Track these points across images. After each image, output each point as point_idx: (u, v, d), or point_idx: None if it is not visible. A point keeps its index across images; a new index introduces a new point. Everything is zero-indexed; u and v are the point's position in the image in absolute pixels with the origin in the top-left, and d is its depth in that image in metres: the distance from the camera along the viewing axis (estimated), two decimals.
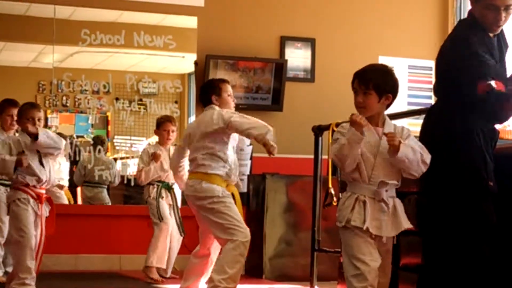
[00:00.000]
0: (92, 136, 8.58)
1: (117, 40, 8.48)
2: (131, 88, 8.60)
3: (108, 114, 8.61)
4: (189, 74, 8.76)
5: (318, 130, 6.54)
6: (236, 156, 5.49)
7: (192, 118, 8.62)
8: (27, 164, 5.54)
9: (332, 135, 6.25)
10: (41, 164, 5.65)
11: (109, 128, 8.63)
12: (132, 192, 8.46)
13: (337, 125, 6.10)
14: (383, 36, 8.95)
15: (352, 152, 3.86)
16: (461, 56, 3.99)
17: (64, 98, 8.47)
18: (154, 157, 7.14)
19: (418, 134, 4.25)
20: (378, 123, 3.99)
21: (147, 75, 8.66)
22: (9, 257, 6.65)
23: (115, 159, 8.74)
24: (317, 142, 6.54)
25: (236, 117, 5.25)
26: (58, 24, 8.33)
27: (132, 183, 8.46)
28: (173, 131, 7.28)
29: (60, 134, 8.35)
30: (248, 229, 5.28)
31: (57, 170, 8.00)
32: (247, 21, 8.67)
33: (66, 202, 8.43)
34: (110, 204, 8.58)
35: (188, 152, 5.46)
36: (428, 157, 3.93)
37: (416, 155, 3.89)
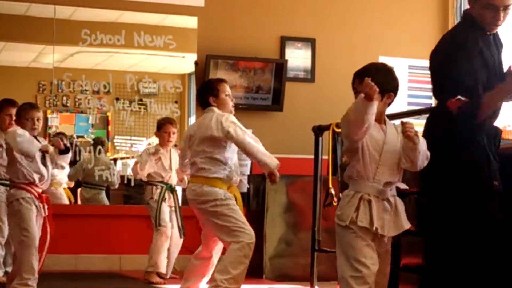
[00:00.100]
0: (92, 137, 8.57)
1: (117, 40, 8.49)
2: (131, 88, 8.60)
3: (108, 114, 8.61)
4: (190, 74, 8.76)
5: (318, 130, 6.54)
6: (236, 156, 5.47)
7: (192, 118, 8.62)
8: (51, 151, 5.59)
9: (332, 135, 6.28)
10: (43, 163, 5.66)
11: (109, 128, 8.63)
12: (132, 192, 8.45)
13: (337, 125, 6.14)
14: (383, 36, 8.95)
15: (350, 118, 3.79)
16: (444, 64, 4.05)
17: (64, 98, 8.47)
18: (154, 153, 7.13)
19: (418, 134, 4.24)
20: (380, 121, 3.98)
21: (147, 75, 8.66)
22: (9, 257, 6.65)
23: (115, 159, 8.74)
24: (317, 142, 6.54)
25: (235, 132, 5.19)
26: (58, 24, 8.33)
27: (132, 183, 8.47)
28: (174, 133, 7.24)
29: (60, 134, 8.40)
30: (253, 231, 5.28)
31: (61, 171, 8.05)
32: (247, 21, 8.67)
33: (67, 202, 8.43)
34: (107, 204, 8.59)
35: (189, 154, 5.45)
36: (429, 154, 3.94)
37: (425, 149, 3.89)
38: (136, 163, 7.24)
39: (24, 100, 6.57)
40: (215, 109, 5.38)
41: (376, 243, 3.93)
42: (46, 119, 8.25)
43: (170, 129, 7.22)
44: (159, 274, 7.05)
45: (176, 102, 8.69)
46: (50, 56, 8.43)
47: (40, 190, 5.64)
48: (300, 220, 7.47)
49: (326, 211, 6.29)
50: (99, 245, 8.17)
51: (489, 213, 3.94)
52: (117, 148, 8.70)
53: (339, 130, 6.18)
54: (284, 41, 8.74)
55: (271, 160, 5.27)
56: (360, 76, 3.96)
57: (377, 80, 3.89)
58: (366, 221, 3.87)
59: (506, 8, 3.99)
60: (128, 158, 8.71)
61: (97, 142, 8.52)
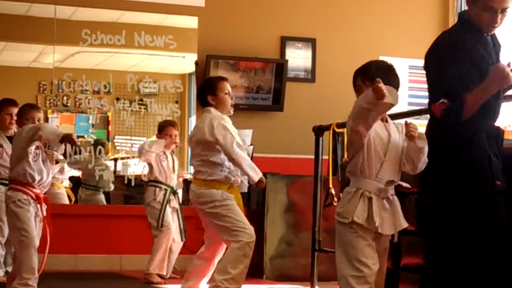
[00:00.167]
0: (94, 137, 8.57)
1: (117, 40, 8.49)
2: (132, 88, 8.60)
3: (109, 114, 8.61)
4: (190, 74, 8.76)
5: (319, 130, 6.54)
6: None
7: (193, 118, 8.63)
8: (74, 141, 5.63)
9: (333, 135, 6.28)
10: (44, 164, 5.68)
11: (110, 128, 8.63)
12: (132, 192, 8.45)
13: (338, 125, 6.14)
14: (383, 36, 8.95)
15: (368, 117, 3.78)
16: (434, 67, 4.09)
17: (65, 98, 8.47)
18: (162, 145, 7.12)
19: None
20: (383, 119, 3.98)
21: (148, 75, 8.66)
22: (9, 256, 6.65)
23: (116, 159, 8.74)
24: (317, 142, 6.54)
25: (224, 140, 5.20)
26: (59, 24, 8.33)
27: (133, 183, 8.47)
28: (176, 135, 7.21)
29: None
30: (253, 230, 5.28)
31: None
32: (248, 21, 8.67)
33: (67, 201, 8.43)
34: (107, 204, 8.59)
35: None
36: (427, 159, 3.95)
37: (426, 152, 3.89)
38: (144, 143, 7.19)
39: (25, 100, 6.58)
40: (212, 109, 5.36)
41: (375, 242, 3.93)
42: (46, 119, 8.25)
43: (172, 132, 7.16)
44: (159, 275, 7.05)
45: (176, 102, 8.69)
46: (51, 56, 8.43)
47: (38, 191, 5.65)
48: (300, 220, 7.47)
49: (326, 211, 6.29)
50: (99, 245, 8.17)
51: (491, 213, 3.93)
52: (118, 148, 8.70)
53: (340, 130, 6.19)
54: (284, 41, 8.74)
55: (255, 173, 5.26)
56: (361, 74, 3.96)
57: (379, 77, 3.89)
58: (363, 218, 3.87)
59: (504, 10, 4.01)
60: (128, 158, 8.71)
61: (97, 144, 8.52)
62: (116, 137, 8.65)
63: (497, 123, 4.17)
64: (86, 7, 8.36)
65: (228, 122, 5.33)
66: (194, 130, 5.53)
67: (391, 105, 3.76)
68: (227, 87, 5.45)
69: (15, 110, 6.28)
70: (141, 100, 8.62)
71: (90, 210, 8.36)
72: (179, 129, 7.44)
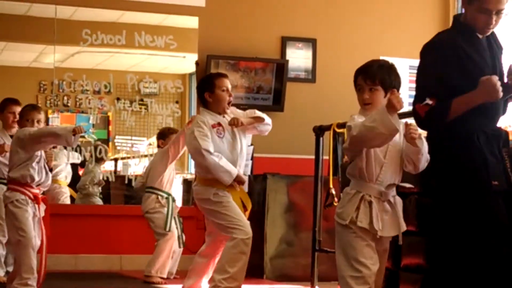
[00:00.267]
0: (94, 138, 8.57)
1: (118, 40, 8.49)
2: (132, 88, 8.60)
3: (109, 114, 8.62)
4: (190, 74, 8.76)
5: (319, 131, 6.54)
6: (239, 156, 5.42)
7: None
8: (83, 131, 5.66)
9: (333, 136, 6.28)
10: (44, 165, 5.69)
11: (110, 128, 8.63)
12: (132, 192, 8.45)
13: (338, 125, 6.14)
14: (384, 36, 8.95)
15: (379, 132, 3.74)
16: (421, 68, 4.12)
17: (65, 98, 8.47)
18: None
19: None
20: None
21: (148, 75, 8.66)
22: (10, 256, 6.65)
23: (116, 159, 8.74)
24: (318, 143, 6.54)
25: (192, 152, 5.30)
26: (59, 24, 8.33)
27: (133, 184, 8.46)
28: None
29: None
30: (248, 227, 5.28)
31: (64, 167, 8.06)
32: (248, 21, 8.67)
33: (69, 201, 8.43)
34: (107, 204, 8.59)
35: None
36: (429, 157, 3.94)
37: (426, 151, 3.89)
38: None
39: (25, 100, 6.59)
40: (204, 111, 5.40)
41: (376, 242, 3.92)
42: (47, 119, 8.24)
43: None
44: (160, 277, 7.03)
45: (177, 102, 8.69)
46: (51, 56, 8.43)
47: (37, 191, 5.65)
48: (300, 220, 7.47)
49: (326, 212, 6.29)
50: (99, 245, 8.17)
51: (488, 214, 3.93)
52: (118, 148, 8.70)
53: (340, 130, 6.19)
54: (285, 41, 8.74)
55: (227, 175, 5.25)
56: (362, 73, 3.95)
57: (380, 77, 3.89)
58: (366, 222, 3.87)
59: (498, 12, 4.01)
60: (129, 158, 8.71)
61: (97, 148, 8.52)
62: (117, 137, 8.65)
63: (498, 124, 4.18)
64: (87, 7, 8.36)
65: (207, 124, 5.31)
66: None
67: (395, 129, 3.73)
68: (225, 83, 5.42)
69: (18, 109, 6.30)
70: (142, 100, 8.62)
71: (90, 210, 8.37)
72: (179, 127, 7.42)
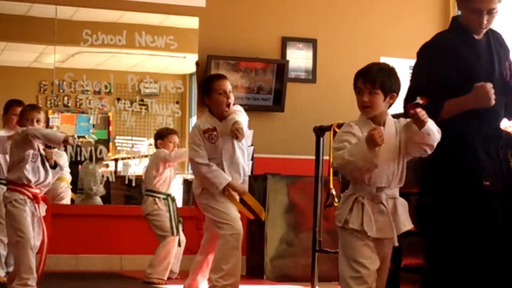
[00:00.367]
0: (95, 138, 8.57)
1: (118, 40, 8.49)
2: (133, 88, 8.60)
3: (110, 114, 8.62)
4: (191, 75, 8.76)
5: (320, 131, 6.54)
6: (239, 157, 5.43)
7: (194, 119, 8.62)
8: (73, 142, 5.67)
9: (333, 136, 6.27)
10: (43, 165, 5.68)
11: (111, 128, 8.64)
12: (133, 192, 8.46)
13: (338, 125, 6.14)
14: (384, 37, 8.95)
15: (358, 166, 3.82)
16: (415, 67, 4.17)
17: (66, 98, 8.47)
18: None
19: None
20: (380, 122, 3.96)
21: (149, 76, 8.66)
22: (11, 256, 6.65)
23: (116, 160, 8.74)
24: (318, 143, 6.54)
25: (190, 158, 5.36)
26: (60, 25, 8.33)
27: (133, 184, 8.47)
28: (177, 144, 7.15)
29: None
30: (238, 222, 5.29)
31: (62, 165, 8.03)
32: (249, 21, 8.67)
33: (69, 201, 8.44)
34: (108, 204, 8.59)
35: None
36: (439, 129, 3.89)
37: (434, 125, 3.84)
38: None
39: (26, 100, 6.60)
40: (205, 114, 5.46)
41: (376, 246, 3.92)
42: (47, 119, 8.24)
43: (175, 140, 7.09)
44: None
45: (177, 102, 8.69)
46: (52, 56, 8.44)
47: (36, 191, 5.65)
48: (301, 220, 7.47)
49: (327, 212, 6.29)
50: (99, 245, 8.17)
51: (479, 213, 3.93)
52: (118, 148, 8.70)
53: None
54: (285, 41, 8.74)
55: (212, 187, 5.31)
56: (362, 76, 3.94)
57: (380, 80, 3.89)
58: (358, 223, 3.88)
59: (490, 11, 4.01)
60: (129, 158, 8.71)
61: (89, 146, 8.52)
62: (117, 137, 8.66)
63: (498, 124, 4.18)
64: (87, 7, 8.36)
65: (199, 130, 5.35)
66: None
67: (374, 164, 3.78)
68: (223, 86, 5.38)
69: None
70: (142, 100, 8.62)
71: (90, 210, 8.37)
72: (180, 130, 7.42)
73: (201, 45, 8.50)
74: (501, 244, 3.94)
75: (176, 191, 7.32)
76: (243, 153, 5.44)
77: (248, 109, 8.39)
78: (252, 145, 7.52)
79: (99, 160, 8.54)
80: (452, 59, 4.05)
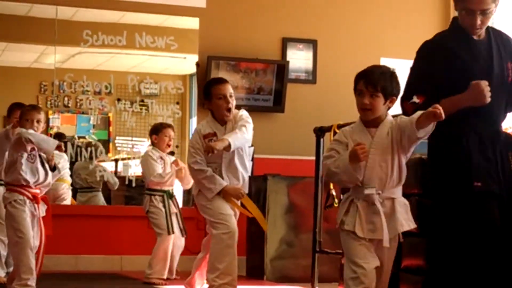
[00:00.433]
0: (95, 138, 8.56)
1: (119, 41, 8.49)
2: (133, 89, 8.60)
3: (110, 115, 8.62)
4: (191, 75, 8.76)
5: (320, 132, 6.54)
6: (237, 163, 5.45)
7: (194, 119, 8.62)
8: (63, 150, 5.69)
9: (334, 137, 6.27)
10: (42, 165, 5.68)
11: (111, 129, 8.64)
12: (133, 193, 8.46)
13: (339, 126, 6.14)
14: (384, 37, 8.95)
15: (341, 179, 3.95)
16: (412, 67, 4.20)
17: (66, 98, 8.47)
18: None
19: None
20: (375, 125, 3.95)
21: (149, 76, 8.66)
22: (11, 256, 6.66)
23: (116, 160, 8.74)
24: (318, 144, 6.54)
25: (189, 168, 5.45)
26: (60, 25, 8.33)
27: (134, 184, 8.47)
28: (172, 137, 7.15)
29: (60, 135, 8.40)
30: (231, 221, 5.31)
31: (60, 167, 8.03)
32: (249, 22, 8.67)
33: (70, 201, 8.43)
34: (108, 205, 8.58)
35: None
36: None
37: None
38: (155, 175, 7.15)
39: (26, 100, 6.60)
40: (207, 118, 5.48)
41: (375, 247, 3.93)
42: (47, 120, 8.25)
43: (170, 133, 7.11)
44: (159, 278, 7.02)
45: (177, 103, 8.69)
46: (52, 57, 8.44)
47: (36, 191, 5.65)
48: (301, 221, 7.47)
49: (327, 213, 6.30)
50: (99, 245, 8.17)
51: (472, 214, 3.93)
52: (118, 149, 8.70)
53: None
54: (285, 42, 8.74)
55: (208, 193, 5.37)
56: (364, 78, 3.94)
57: (382, 84, 3.89)
58: (352, 224, 3.91)
59: (483, 12, 4.01)
60: (129, 159, 8.71)
61: (89, 146, 8.51)
62: (117, 138, 8.66)
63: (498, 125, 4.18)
64: (87, 7, 8.36)
65: (200, 134, 5.38)
66: None
67: (356, 179, 3.89)
68: (222, 91, 5.38)
69: None
70: (142, 101, 8.62)
71: (90, 211, 8.36)
72: (180, 131, 7.42)
73: (202, 45, 8.50)
74: (498, 245, 3.93)
75: (176, 191, 7.32)
76: (242, 160, 5.46)
77: (249, 109, 8.39)
78: (252, 145, 7.53)
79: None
80: (449, 59, 4.06)
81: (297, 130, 8.33)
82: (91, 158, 8.48)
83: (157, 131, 7.14)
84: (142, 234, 7.58)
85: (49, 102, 8.44)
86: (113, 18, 8.54)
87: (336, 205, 5.87)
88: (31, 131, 5.59)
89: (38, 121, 5.72)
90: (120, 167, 8.71)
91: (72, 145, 8.41)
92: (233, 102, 5.42)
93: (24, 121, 5.72)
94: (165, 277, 6.93)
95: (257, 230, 7.51)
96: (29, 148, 5.58)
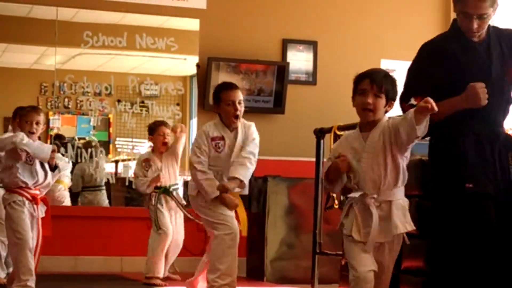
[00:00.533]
0: (95, 139, 8.56)
1: (119, 42, 8.49)
2: (133, 90, 8.60)
3: (110, 116, 8.62)
4: (191, 77, 8.76)
5: (320, 133, 6.54)
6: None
7: (194, 121, 8.62)
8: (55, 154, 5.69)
9: (334, 138, 6.27)
10: (42, 166, 5.69)
11: (111, 130, 8.64)
12: (133, 194, 8.45)
13: (339, 127, 6.14)
14: (385, 39, 8.95)
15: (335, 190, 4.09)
16: (409, 68, 4.22)
17: (66, 100, 8.47)
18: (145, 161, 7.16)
19: None
20: (370, 128, 3.96)
21: (149, 77, 8.66)
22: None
23: (117, 161, 8.74)
24: (318, 145, 6.54)
25: (191, 167, 5.43)
26: (60, 26, 8.33)
27: (134, 185, 8.46)
28: (168, 134, 7.18)
29: (60, 136, 8.40)
30: (232, 221, 5.30)
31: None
32: (249, 23, 8.67)
33: (68, 202, 8.43)
34: (108, 206, 8.58)
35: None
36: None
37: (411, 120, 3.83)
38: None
39: (26, 102, 6.61)
40: (215, 120, 5.47)
41: (376, 251, 3.93)
42: (48, 121, 8.25)
43: (164, 131, 7.14)
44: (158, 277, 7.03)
45: (177, 104, 8.69)
46: (52, 58, 8.44)
47: (36, 192, 5.65)
48: (301, 222, 7.46)
49: (327, 214, 6.29)
50: (99, 246, 8.17)
51: (465, 216, 3.93)
52: (119, 150, 8.70)
53: (341, 133, 6.18)
54: (286, 43, 8.74)
55: (206, 195, 5.35)
56: (369, 77, 3.93)
57: (386, 86, 3.91)
58: (349, 228, 3.94)
59: (480, 17, 4.01)
60: (129, 160, 8.71)
61: (88, 146, 8.51)
62: (117, 139, 8.66)
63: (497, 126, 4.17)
64: (88, 9, 8.36)
65: (207, 135, 5.37)
66: None
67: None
68: (231, 97, 5.38)
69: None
70: (143, 102, 8.62)
71: (90, 212, 8.36)
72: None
73: (202, 47, 8.50)
74: (495, 245, 3.93)
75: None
76: None
77: (249, 111, 8.39)
78: None
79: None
80: (448, 61, 4.06)
81: (298, 132, 8.33)
82: (91, 158, 8.48)
83: (152, 132, 7.23)
84: (142, 235, 7.57)
85: (49, 103, 8.44)
86: (114, 19, 8.54)
87: (336, 207, 5.87)
88: (25, 140, 5.56)
89: (37, 123, 5.72)
90: (120, 168, 8.71)
91: (73, 146, 8.41)
92: (241, 109, 5.41)
93: (23, 123, 5.72)
94: (161, 275, 6.94)
95: (257, 231, 7.51)
96: (24, 157, 5.58)
